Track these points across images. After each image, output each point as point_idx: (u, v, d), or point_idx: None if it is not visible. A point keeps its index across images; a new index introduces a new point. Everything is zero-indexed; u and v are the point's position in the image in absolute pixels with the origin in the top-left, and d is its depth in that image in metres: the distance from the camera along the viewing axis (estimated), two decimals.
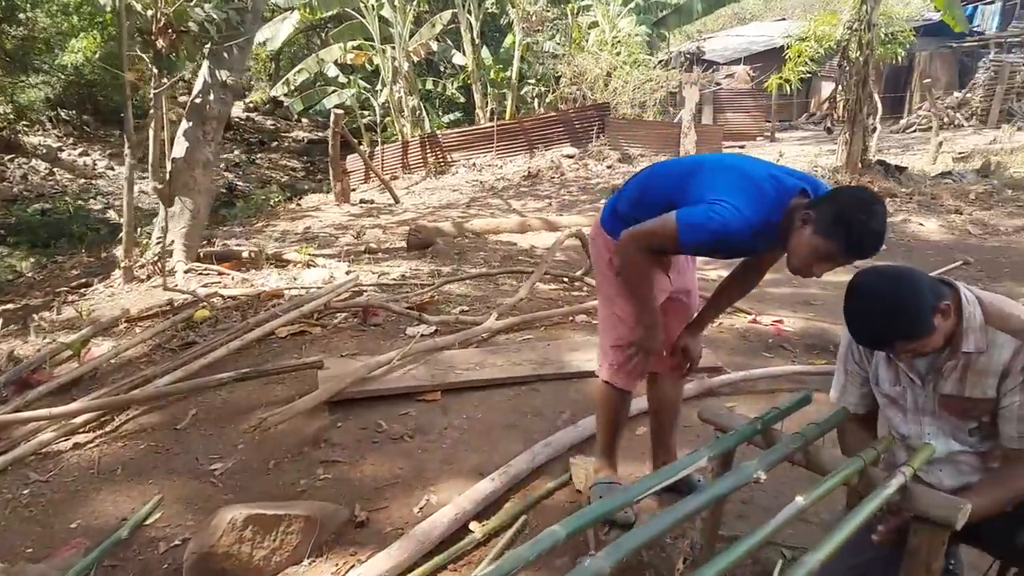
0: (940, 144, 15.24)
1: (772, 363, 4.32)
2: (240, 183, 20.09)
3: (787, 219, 2.20)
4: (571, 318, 5.09)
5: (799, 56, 16.56)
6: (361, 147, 16.55)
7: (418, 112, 18.20)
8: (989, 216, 9.52)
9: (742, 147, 20.14)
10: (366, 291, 5.75)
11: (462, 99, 20.67)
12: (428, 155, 16.81)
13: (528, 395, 3.88)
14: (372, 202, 13.41)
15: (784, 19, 29.88)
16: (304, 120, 26.46)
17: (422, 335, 4.63)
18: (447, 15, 18.04)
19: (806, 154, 15.29)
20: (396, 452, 3.38)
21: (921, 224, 9.10)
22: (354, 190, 15.12)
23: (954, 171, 12.73)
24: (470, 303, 5.47)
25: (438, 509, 2.81)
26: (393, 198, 13.45)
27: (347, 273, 6.21)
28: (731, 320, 5.07)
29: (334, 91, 19.41)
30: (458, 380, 3.92)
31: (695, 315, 2.83)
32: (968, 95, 21.71)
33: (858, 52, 11.37)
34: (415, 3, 17.82)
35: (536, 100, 20.20)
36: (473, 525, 2.77)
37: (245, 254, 7.16)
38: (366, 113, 20.15)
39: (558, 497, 3.02)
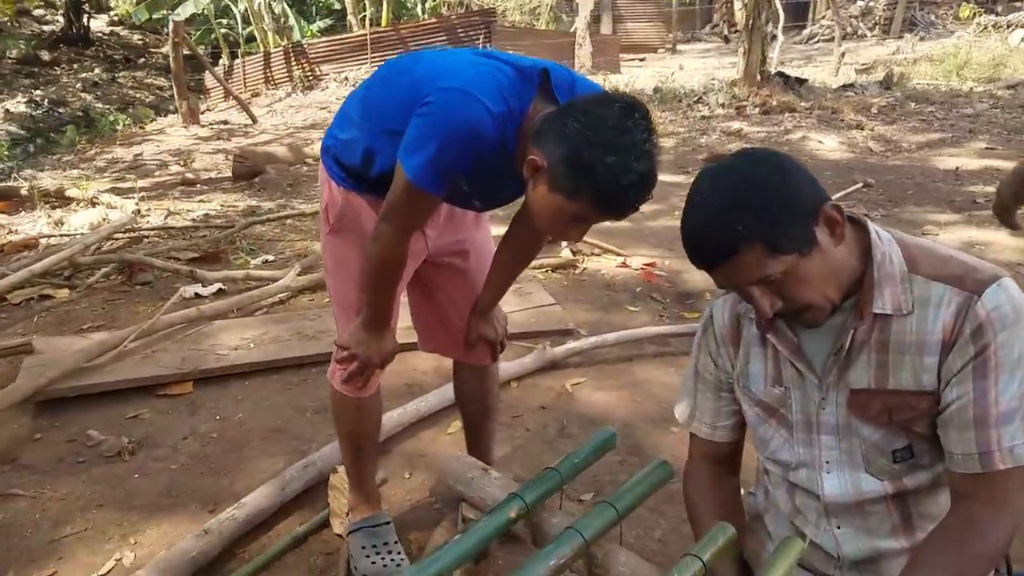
0: (843, 55, 14.80)
1: (637, 319, 3.50)
2: (99, 104, 18.10)
3: (520, 147, 1.46)
4: None
5: None
6: (213, 61, 14.74)
7: (284, 19, 16.37)
8: (892, 131, 8.96)
9: (642, 59, 19.32)
10: (148, 237, 4.58)
11: (336, 4, 18.79)
12: (294, 68, 15.14)
13: (316, 382, 2.93)
14: (225, 123, 11.92)
15: None
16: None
17: (197, 296, 3.55)
18: None
19: (706, 67, 14.54)
20: (103, 478, 2.40)
21: (820, 142, 8.44)
22: (210, 110, 13.48)
23: (856, 83, 12.28)
24: (279, 252, 4.39)
25: (134, 573, 1.91)
26: (250, 118, 12.00)
27: (137, 214, 4.99)
28: (596, 265, 4.22)
29: None
30: (218, 366, 2.91)
31: (482, 285, 1.97)
32: (871, 3, 21.35)
33: None
34: None
35: (419, 5, 18.58)
36: None
37: (24, 191, 5.79)
38: (226, 22, 18.06)
39: (313, 546, 2.11)
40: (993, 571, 1.25)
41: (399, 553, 1.94)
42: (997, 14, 18.91)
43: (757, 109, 10.06)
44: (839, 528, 1.27)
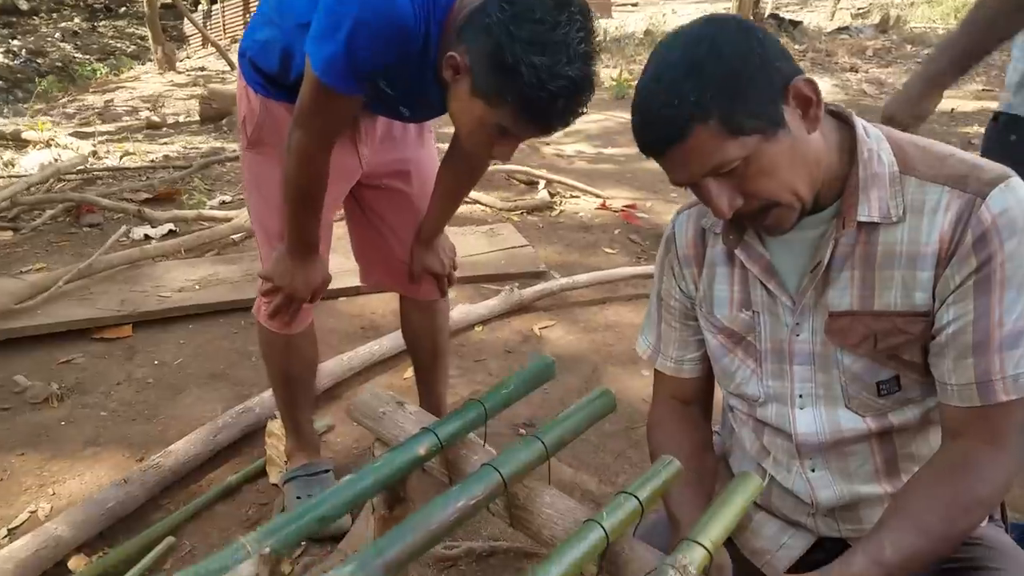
0: None
1: (614, 261, 3.30)
2: (79, 55, 17.59)
3: (444, 45, 1.24)
4: None
5: None
6: (192, 8, 14.24)
7: None
8: (887, 74, 8.69)
9: (635, 4, 18.77)
10: (101, 178, 4.32)
11: None
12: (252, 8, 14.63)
13: None
14: (203, 69, 11.52)
15: None
16: None
17: (146, 238, 3.33)
18: None
19: (700, 11, 13.98)
20: (27, 426, 2.21)
21: None
22: (188, 57, 13.06)
23: (852, 26, 11.95)
24: (238, 193, 4.14)
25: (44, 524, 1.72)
26: (228, 64, 11.58)
27: (92, 155, 4.72)
28: (574, 207, 4.00)
29: None
30: (160, 308, 2.70)
31: (426, 210, 1.76)
32: None
33: None
34: None
35: None
36: (74, 562, 1.68)
37: None
38: None
39: (247, 496, 1.94)
40: (987, 518, 1.08)
41: None
42: None
43: None
44: (813, 471, 1.09)
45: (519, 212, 3.78)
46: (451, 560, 1.70)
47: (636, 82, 0.94)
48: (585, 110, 1.19)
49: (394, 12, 1.16)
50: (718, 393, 1.22)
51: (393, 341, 2.46)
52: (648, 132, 0.90)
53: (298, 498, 1.81)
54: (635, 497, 0.86)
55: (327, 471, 1.88)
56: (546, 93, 1.10)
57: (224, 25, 14.94)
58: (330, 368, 2.32)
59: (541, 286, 2.87)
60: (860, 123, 0.98)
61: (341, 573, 0.73)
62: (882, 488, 1.07)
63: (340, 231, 1.85)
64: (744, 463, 1.19)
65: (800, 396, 1.07)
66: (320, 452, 1.95)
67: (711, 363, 1.19)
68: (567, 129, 1.26)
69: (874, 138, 0.97)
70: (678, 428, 1.20)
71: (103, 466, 2.03)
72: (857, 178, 0.95)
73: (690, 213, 1.16)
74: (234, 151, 4.85)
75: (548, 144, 5.32)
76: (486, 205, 3.83)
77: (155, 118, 6.24)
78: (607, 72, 8.21)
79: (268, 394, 2.18)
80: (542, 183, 4.08)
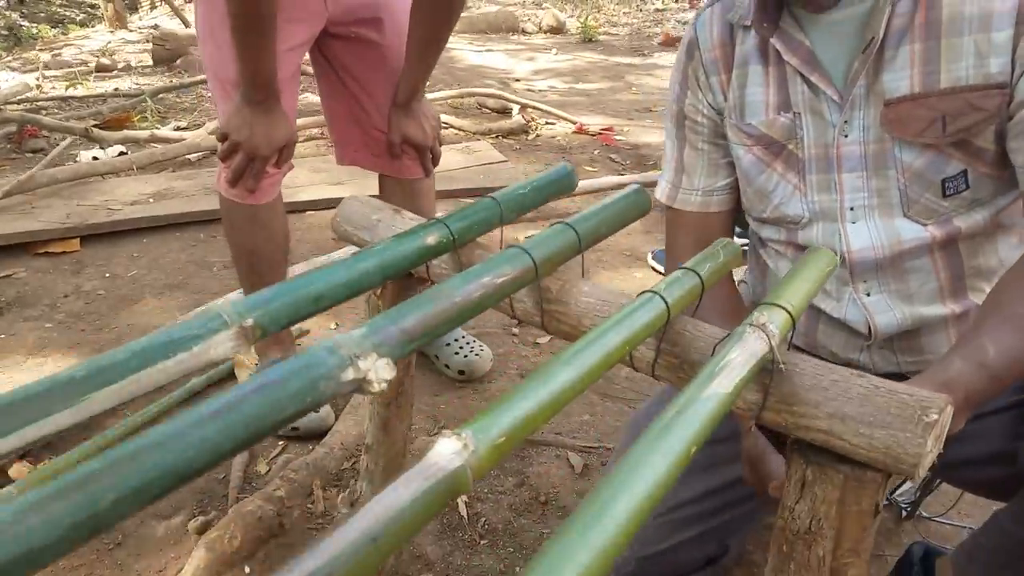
0: None
1: (595, 176, 3.15)
2: (26, 24, 16.81)
3: None
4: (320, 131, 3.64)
5: None
6: None
7: None
8: None
9: None
10: (46, 109, 4.02)
11: None
12: None
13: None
14: (156, 27, 10.96)
15: None
16: None
17: (95, 160, 3.08)
18: None
19: None
20: None
21: None
22: (140, 19, 12.49)
23: None
24: (194, 121, 3.88)
25: None
26: (183, 22, 11.06)
27: (37, 88, 4.40)
28: (550, 132, 3.83)
29: None
30: (110, 220, 2.47)
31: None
32: None
33: None
34: None
35: None
36: (16, 470, 1.51)
37: None
38: None
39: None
40: None
41: None
42: None
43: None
44: (868, 295, 0.95)
45: (493, 136, 3.60)
46: None
47: None
48: None
49: None
50: None
51: None
52: None
53: None
54: (695, 272, 0.71)
55: None
56: None
57: None
58: (300, 271, 2.14)
59: None
60: None
61: (351, 336, 0.57)
62: (948, 309, 0.94)
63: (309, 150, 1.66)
64: None
65: (851, 209, 0.93)
66: (294, 347, 1.78)
67: (742, 187, 1.04)
68: (536, 65, 1.08)
69: None
70: (737, 317, 1.04)
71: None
72: None
73: (713, 10, 1.01)
74: (188, 80, 4.57)
75: (519, 80, 5.13)
76: (457, 128, 3.63)
77: (105, 61, 5.87)
78: (572, 22, 8.00)
79: (236, 295, 1.99)
80: (516, 108, 3.90)
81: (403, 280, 0.91)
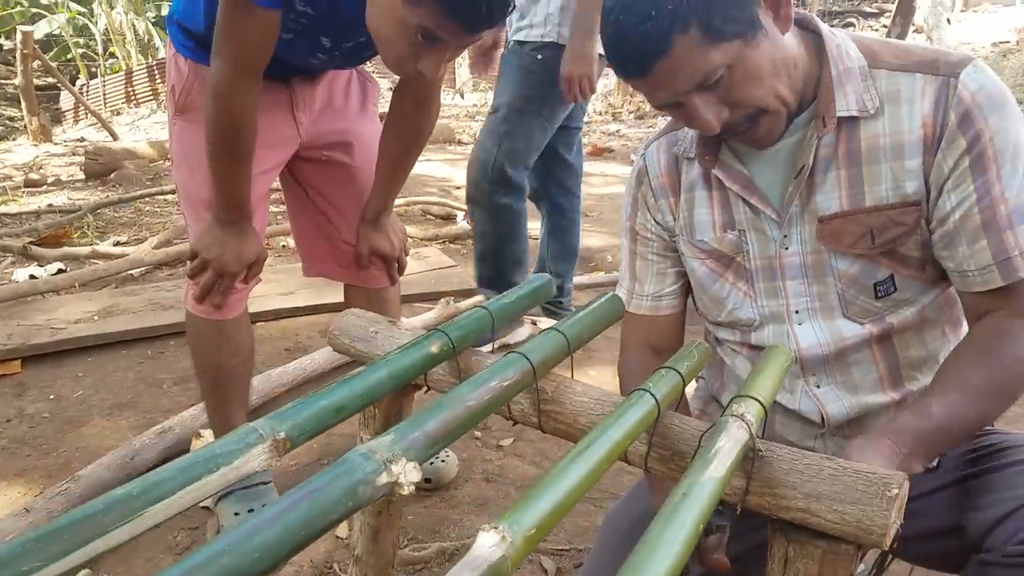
0: None
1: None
2: None
3: None
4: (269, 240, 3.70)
5: None
6: (70, 82, 13.70)
7: (148, 38, 15.43)
8: None
9: None
10: None
11: None
12: (159, 85, 14.22)
13: (177, 353, 2.49)
14: (82, 140, 10.95)
15: None
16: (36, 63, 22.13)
17: (32, 279, 3.03)
18: None
19: None
20: None
21: None
22: (65, 132, 12.44)
23: None
24: (134, 235, 3.87)
25: None
26: (111, 135, 11.09)
27: None
28: None
29: (37, 15, 15.93)
30: (53, 339, 2.43)
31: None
32: None
33: None
34: None
35: None
36: None
37: None
38: (83, 41, 16.85)
39: (173, 521, 1.71)
40: None
41: None
42: None
43: (632, 115, 10.26)
44: (819, 387, 1.06)
45: (440, 241, 3.71)
46: (421, 562, 1.54)
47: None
48: (512, 7, 1.11)
49: None
50: None
51: (328, 356, 2.30)
52: (628, 52, 0.87)
53: (236, 514, 1.62)
54: (676, 371, 0.79)
55: (267, 483, 1.69)
56: None
57: (104, 98, 14.39)
58: (255, 385, 2.13)
59: (478, 298, 2.78)
60: (824, 26, 0.99)
61: (381, 442, 0.62)
62: (889, 397, 1.05)
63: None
64: None
65: (797, 312, 1.04)
66: None
67: (698, 295, 1.15)
68: None
69: (840, 36, 0.98)
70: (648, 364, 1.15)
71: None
72: (830, 76, 0.95)
73: (659, 143, 1.14)
74: (128, 195, 4.56)
75: (460, 188, 5.32)
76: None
77: (34, 176, 5.81)
78: None
79: (189, 412, 1.97)
80: (460, 214, 4.04)
81: (400, 390, 0.96)
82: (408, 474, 0.62)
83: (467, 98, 13.98)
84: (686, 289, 1.18)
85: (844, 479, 0.68)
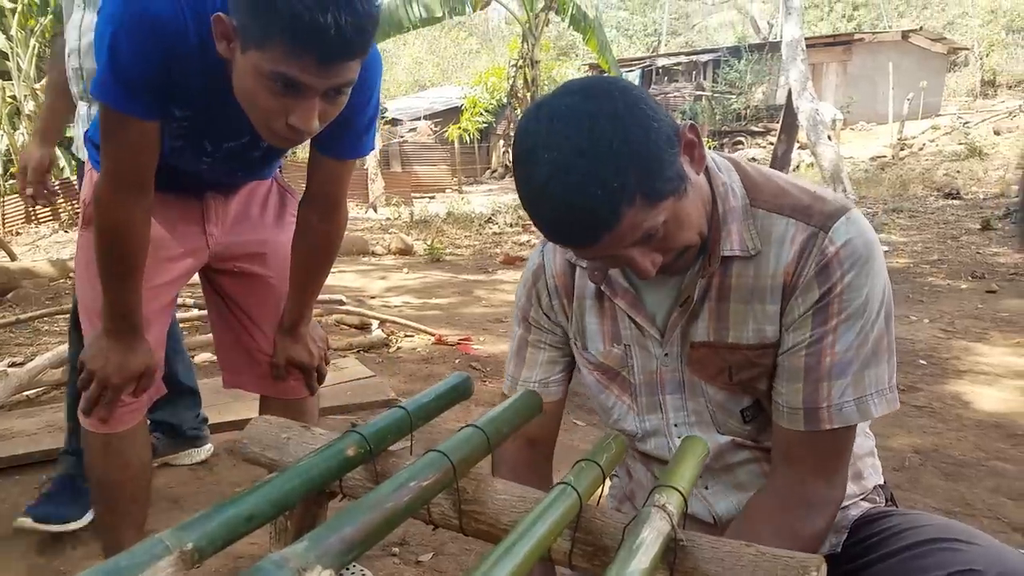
0: None
1: None
2: None
3: (217, 30, 1.11)
4: None
5: (474, 107, 16.78)
6: None
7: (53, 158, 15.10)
8: None
9: (432, 197, 19.95)
10: None
11: None
12: (61, 205, 13.84)
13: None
14: None
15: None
16: None
17: None
18: None
19: (491, 201, 15.13)
20: None
21: None
22: None
23: None
24: (30, 356, 3.66)
25: None
26: (9, 255, 10.60)
27: None
28: (410, 343, 3.95)
29: None
30: None
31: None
32: None
33: (524, 88, 11.43)
34: (37, 35, 14.93)
35: None
36: None
37: None
38: None
39: None
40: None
41: None
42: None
43: None
44: (707, 488, 1.09)
45: (355, 350, 3.66)
46: None
47: (523, 177, 0.86)
48: (368, 33, 1.05)
49: (147, 7, 1.10)
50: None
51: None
52: (574, 228, 0.85)
53: None
54: (596, 463, 0.80)
55: None
56: (310, 3, 0.97)
57: (3, 217, 13.95)
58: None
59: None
60: (709, 156, 0.99)
61: (295, 550, 0.60)
62: None
63: None
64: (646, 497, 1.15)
65: (675, 425, 1.07)
66: None
67: (591, 396, 1.18)
68: (388, 283, 1.21)
69: (725, 170, 1.00)
70: (528, 467, 1.16)
71: None
72: (718, 211, 0.96)
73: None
74: (25, 315, 4.34)
75: (374, 298, 5.31)
76: None
77: None
78: (420, 244, 8.49)
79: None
80: (375, 323, 4.01)
81: (313, 497, 0.93)
82: None
83: (380, 212, 14.20)
84: (570, 377, 1.20)
85: (764, 564, 0.69)
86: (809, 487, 0.95)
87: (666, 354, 1.04)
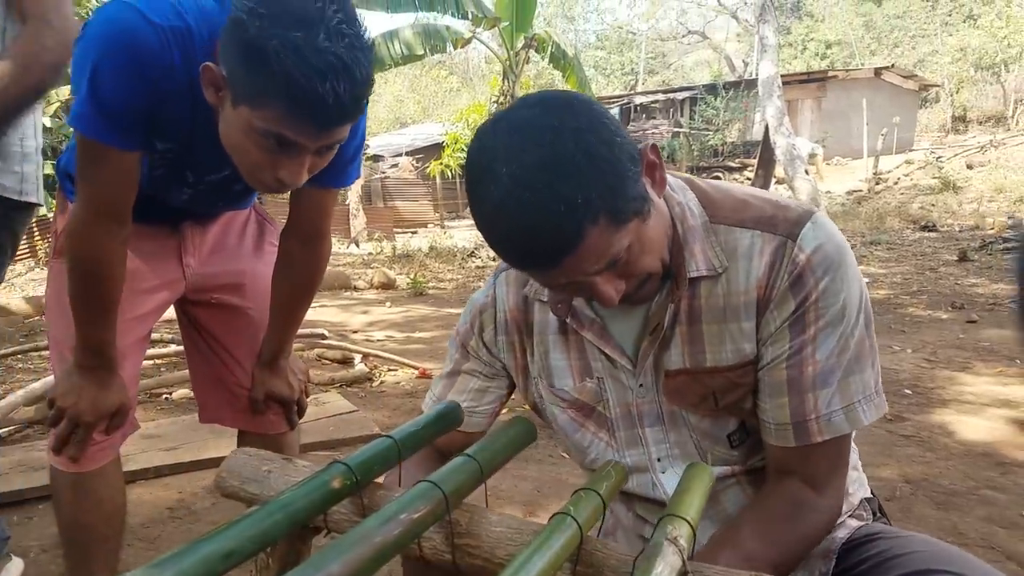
0: None
1: None
2: None
3: (205, 78, 1.08)
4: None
5: (456, 143, 16.84)
6: None
7: None
8: None
9: (414, 232, 19.96)
10: None
11: None
12: (37, 242, 13.69)
13: (46, 518, 2.24)
14: None
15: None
16: None
17: None
18: (64, 91, 15.31)
19: (473, 236, 15.17)
20: None
21: None
22: None
23: None
24: (7, 390, 3.57)
25: None
26: None
27: None
28: (394, 377, 3.89)
29: None
30: None
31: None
32: None
33: None
34: None
35: None
36: None
37: None
38: None
39: None
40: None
41: None
42: None
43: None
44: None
45: (337, 385, 3.60)
46: None
47: (479, 194, 0.80)
48: (364, 99, 1.04)
49: (132, 39, 1.06)
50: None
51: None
52: (534, 248, 0.79)
53: None
54: (596, 492, 0.76)
55: None
56: (308, 71, 0.94)
57: None
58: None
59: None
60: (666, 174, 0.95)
61: None
62: None
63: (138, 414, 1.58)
64: (629, 539, 1.10)
65: (659, 460, 1.02)
66: None
67: (562, 438, 1.11)
68: (371, 317, 1.17)
69: (679, 190, 0.96)
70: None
71: None
72: (679, 234, 0.93)
73: (508, 276, 1.09)
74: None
75: (356, 332, 5.25)
76: None
77: None
78: (402, 278, 8.45)
79: None
80: (358, 357, 3.95)
81: (297, 532, 0.88)
82: None
83: (362, 247, 14.16)
84: (496, 412, 1.15)
85: None
86: (799, 496, 0.92)
87: (640, 385, 0.99)
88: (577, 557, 0.72)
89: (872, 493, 1.13)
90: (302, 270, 1.49)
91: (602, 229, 0.78)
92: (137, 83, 1.08)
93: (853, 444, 1.09)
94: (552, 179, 0.75)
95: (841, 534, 1.00)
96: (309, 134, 1.03)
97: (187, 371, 1.69)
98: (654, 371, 0.98)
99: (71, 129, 1.37)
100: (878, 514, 1.11)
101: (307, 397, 1.65)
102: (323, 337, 4.33)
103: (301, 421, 1.67)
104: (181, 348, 3.80)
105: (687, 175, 1.01)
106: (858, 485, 1.09)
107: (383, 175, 23.50)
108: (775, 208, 0.93)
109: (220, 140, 1.12)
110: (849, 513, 1.06)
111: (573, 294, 0.96)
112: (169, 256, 1.48)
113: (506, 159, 0.77)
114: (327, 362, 4.12)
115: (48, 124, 15.87)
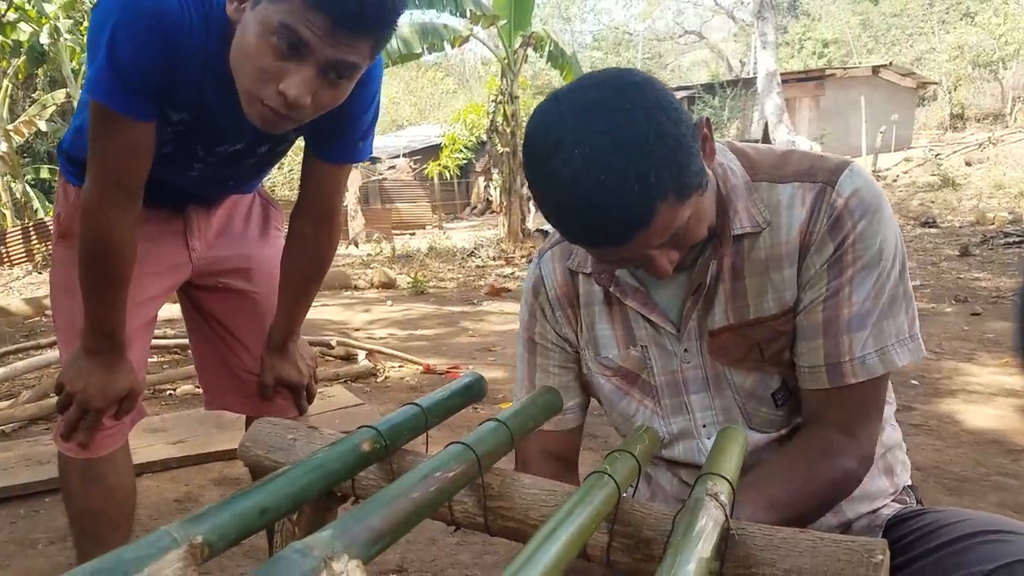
0: None
1: None
2: None
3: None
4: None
5: (454, 144, 16.85)
6: None
7: (25, 200, 15.01)
8: None
9: (413, 234, 19.94)
10: None
11: None
12: (35, 247, 13.67)
13: (53, 511, 2.22)
14: None
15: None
16: None
17: None
18: (60, 95, 15.30)
19: (472, 236, 15.15)
20: None
21: None
22: None
23: None
24: (8, 389, 3.56)
25: None
26: None
27: None
28: (398, 373, 3.87)
29: None
30: None
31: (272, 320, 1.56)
32: None
33: (504, 123, 11.45)
34: (10, 76, 14.89)
35: None
36: None
37: None
38: None
39: None
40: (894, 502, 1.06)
41: None
42: None
43: (524, 259, 10.58)
44: None
45: (342, 380, 3.58)
46: None
47: (547, 173, 0.81)
48: (386, 16, 1.00)
49: (152, 3, 1.04)
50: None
51: None
52: (606, 225, 0.80)
53: None
54: (630, 453, 0.75)
55: None
56: None
57: None
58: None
59: None
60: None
61: (320, 538, 0.54)
62: None
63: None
64: (670, 504, 1.09)
65: (704, 426, 1.03)
66: None
67: (607, 410, 1.12)
68: (372, 316, 1.15)
69: (719, 152, 0.98)
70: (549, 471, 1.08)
71: None
72: (722, 194, 0.95)
73: (553, 253, 1.11)
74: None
75: (358, 330, 5.23)
76: None
77: None
78: (403, 277, 8.44)
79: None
80: (362, 353, 3.94)
81: (321, 500, 0.86)
82: (352, 573, 0.54)
83: (361, 248, 14.14)
84: (587, 403, 1.15)
85: (824, 550, 0.64)
86: (833, 439, 0.92)
87: (685, 349, 1.00)
88: (615, 516, 0.71)
89: (912, 483, 1.12)
90: (313, 251, 1.47)
91: (670, 205, 0.80)
92: (155, 46, 1.06)
93: (896, 423, 1.09)
94: (627, 159, 0.77)
95: (887, 512, 1.00)
96: (323, 33, 0.98)
97: (190, 367, 1.68)
98: (698, 334, 0.99)
99: (71, 129, 1.36)
100: (919, 504, 1.11)
101: (316, 382, 1.63)
102: (330, 347, 4.27)
103: (312, 404, 1.65)
104: (183, 343, 3.79)
105: (726, 139, 1.03)
106: (902, 468, 1.09)
107: (381, 177, 23.49)
108: (813, 160, 0.96)
109: (232, 110, 1.11)
110: (894, 496, 1.05)
111: (626, 266, 0.97)
112: (175, 239, 1.46)
113: (576, 140, 0.78)
114: (331, 358, 4.10)
115: (44, 128, 15.89)
